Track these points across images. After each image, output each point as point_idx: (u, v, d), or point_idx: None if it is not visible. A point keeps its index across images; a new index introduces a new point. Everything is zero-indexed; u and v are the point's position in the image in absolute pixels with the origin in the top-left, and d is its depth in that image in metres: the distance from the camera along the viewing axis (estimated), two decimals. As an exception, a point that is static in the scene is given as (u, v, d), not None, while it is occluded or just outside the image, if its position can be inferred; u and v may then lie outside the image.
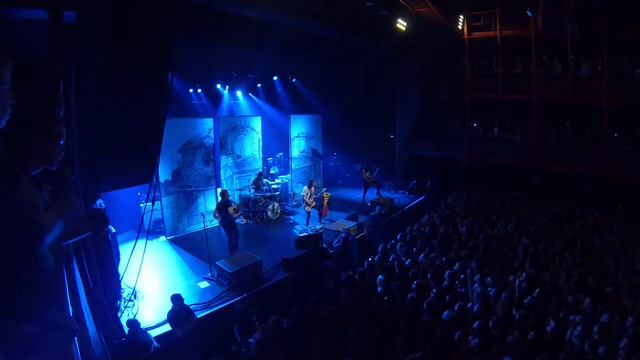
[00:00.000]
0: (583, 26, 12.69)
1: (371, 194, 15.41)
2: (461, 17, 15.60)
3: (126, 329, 6.36)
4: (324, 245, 10.67)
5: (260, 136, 14.73)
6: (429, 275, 7.84)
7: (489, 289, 7.06)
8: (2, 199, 1.77)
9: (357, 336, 5.69)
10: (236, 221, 13.09)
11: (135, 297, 7.92)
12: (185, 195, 12.07)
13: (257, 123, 14.65)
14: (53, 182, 2.57)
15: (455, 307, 6.33)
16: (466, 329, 5.64)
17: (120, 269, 7.69)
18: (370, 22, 13.36)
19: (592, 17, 13.06)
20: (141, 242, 6.75)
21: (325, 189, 14.62)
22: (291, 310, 6.75)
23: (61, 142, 2.49)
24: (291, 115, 15.54)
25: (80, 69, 4.75)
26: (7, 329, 1.60)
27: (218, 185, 13.30)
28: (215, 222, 11.20)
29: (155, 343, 6.43)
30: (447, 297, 6.84)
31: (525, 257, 8.68)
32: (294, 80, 17.26)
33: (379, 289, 7.41)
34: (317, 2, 10.77)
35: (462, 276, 7.77)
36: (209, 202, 12.57)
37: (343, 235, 10.43)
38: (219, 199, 11.69)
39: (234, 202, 10.96)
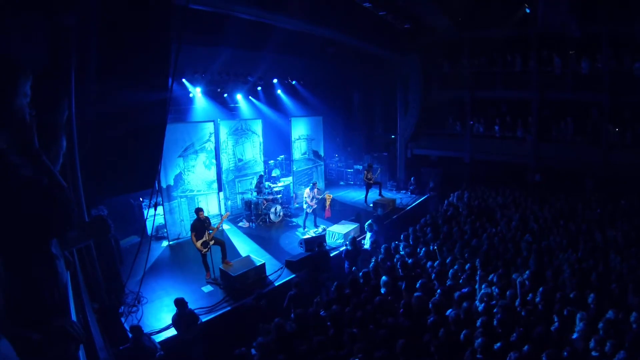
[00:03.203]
0: (582, 21, 12.67)
1: (373, 195, 15.42)
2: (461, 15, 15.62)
3: (130, 335, 6.37)
4: (327, 246, 10.68)
5: (261, 139, 14.74)
6: (432, 275, 7.83)
7: (493, 287, 7.05)
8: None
9: (361, 337, 5.69)
10: (238, 224, 13.18)
11: (139, 302, 7.93)
12: (188, 200, 12.08)
13: (257, 126, 14.67)
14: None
15: (460, 307, 6.32)
16: (471, 328, 5.63)
17: (124, 275, 7.72)
18: (372, 24, 13.45)
19: (591, 12, 13.04)
20: (144, 248, 6.78)
21: (328, 191, 14.66)
22: (295, 312, 6.76)
23: (62, 152, 2.50)
24: (292, 118, 15.55)
25: (80, 74, 4.77)
26: (14, 337, 1.61)
27: (220, 189, 13.32)
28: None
29: (159, 348, 6.45)
30: (453, 296, 6.82)
31: (528, 254, 8.66)
32: (293, 82, 17.31)
33: (383, 290, 7.40)
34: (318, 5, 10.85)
35: (465, 275, 7.76)
36: (211, 207, 12.59)
37: (351, 237, 10.43)
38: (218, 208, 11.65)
39: (210, 231, 9.35)
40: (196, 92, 14.71)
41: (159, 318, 7.63)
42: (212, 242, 9.31)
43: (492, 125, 17.00)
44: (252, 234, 12.52)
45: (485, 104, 17.21)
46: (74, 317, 3.08)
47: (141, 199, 11.83)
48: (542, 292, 6.47)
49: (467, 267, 7.99)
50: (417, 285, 7.21)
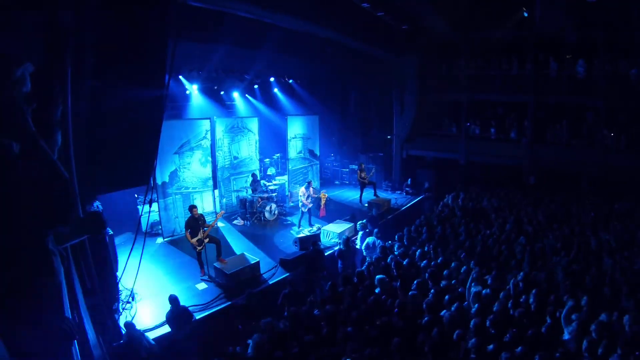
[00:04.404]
0: (579, 25, 12.73)
1: (368, 195, 15.43)
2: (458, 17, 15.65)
3: (124, 331, 6.35)
4: (321, 245, 10.68)
5: (257, 137, 14.73)
6: (426, 275, 7.84)
7: (487, 288, 7.07)
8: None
9: (354, 336, 5.69)
10: (233, 222, 13.15)
11: (133, 299, 7.91)
12: (183, 197, 12.04)
13: (254, 124, 14.66)
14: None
15: (453, 307, 6.34)
16: (464, 329, 5.65)
17: (118, 271, 7.68)
18: (369, 24, 13.45)
19: (587, 16, 13.10)
20: (139, 244, 6.74)
21: (323, 190, 14.65)
22: (288, 311, 6.76)
23: (57, 147, 2.50)
24: (288, 116, 15.53)
25: (76, 70, 4.74)
26: (9, 334, 1.61)
27: (215, 186, 13.29)
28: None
29: (153, 345, 6.43)
30: (446, 297, 6.84)
31: (522, 256, 8.69)
32: (290, 81, 17.31)
33: (377, 289, 7.41)
34: (317, 4, 10.85)
35: (459, 276, 7.78)
36: (206, 204, 12.56)
37: (344, 236, 10.44)
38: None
39: (205, 228, 9.34)
40: (193, 89, 14.67)
41: (153, 315, 7.62)
42: (206, 240, 9.29)
43: (488, 127, 17.04)
44: (247, 232, 12.50)
45: (481, 105, 17.25)
46: (67, 314, 3.07)
47: (136, 196, 11.78)
48: (535, 293, 6.51)
49: (461, 268, 8.01)
50: (412, 285, 7.23)
